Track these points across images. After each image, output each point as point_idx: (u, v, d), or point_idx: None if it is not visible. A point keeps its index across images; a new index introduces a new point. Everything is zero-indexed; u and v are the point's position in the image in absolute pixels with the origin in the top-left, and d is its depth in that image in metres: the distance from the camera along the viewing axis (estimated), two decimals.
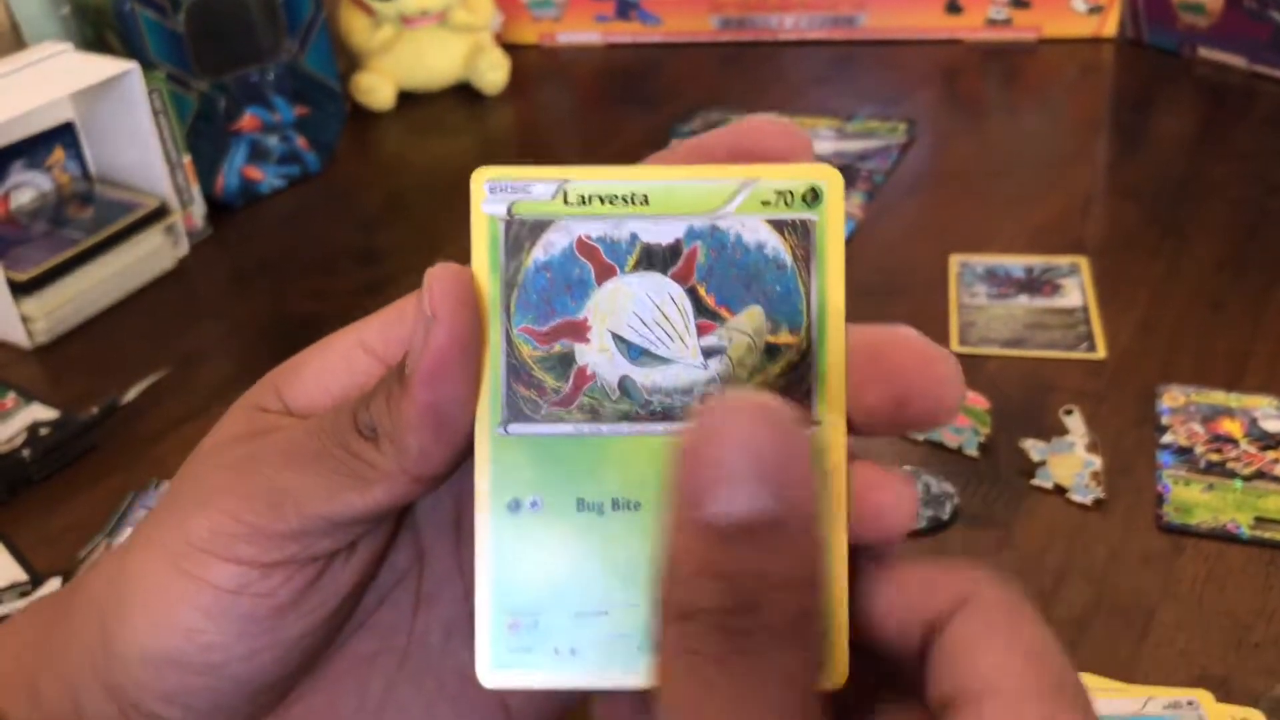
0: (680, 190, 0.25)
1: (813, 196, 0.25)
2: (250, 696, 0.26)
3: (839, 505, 0.24)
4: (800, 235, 0.25)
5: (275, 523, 0.24)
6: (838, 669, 0.24)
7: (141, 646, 0.25)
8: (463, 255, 0.25)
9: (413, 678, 0.28)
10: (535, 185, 0.25)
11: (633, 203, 0.25)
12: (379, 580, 0.28)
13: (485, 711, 0.28)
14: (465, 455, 0.25)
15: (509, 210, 0.25)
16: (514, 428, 0.25)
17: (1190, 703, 0.45)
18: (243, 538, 0.24)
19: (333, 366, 0.27)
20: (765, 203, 0.25)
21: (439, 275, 0.24)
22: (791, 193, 0.25)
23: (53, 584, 0.54)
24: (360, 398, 0.25)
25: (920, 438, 0.60)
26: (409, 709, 0.28)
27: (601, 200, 0.25)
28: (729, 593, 0.19)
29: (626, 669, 0.24)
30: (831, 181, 0.25)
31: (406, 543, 0.28)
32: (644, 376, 0.25)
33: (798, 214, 0.25)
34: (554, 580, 0.25)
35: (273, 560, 0.24)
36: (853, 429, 0.24)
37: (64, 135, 0.79)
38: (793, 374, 0.24)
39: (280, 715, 0.27)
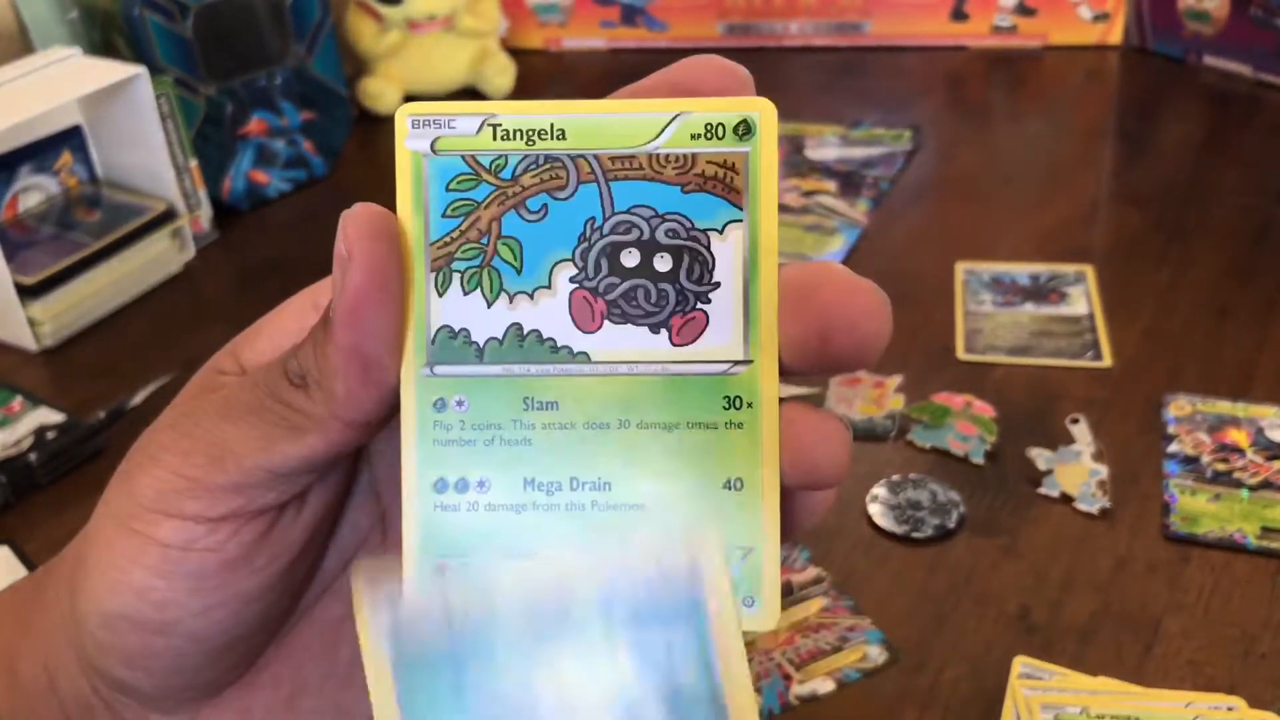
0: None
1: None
2: (212, 657, 0.26)
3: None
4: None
5: (216, 475, 0.24)
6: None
7: (99, 608, 0.25)
8: None
9: None
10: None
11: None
12: (341, 542, 0.28)
13: None
14: (397, 398, 0.24)
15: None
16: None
17: (1230, 708, 0.45)
18: (187, 493, 0.24)
19: (286, 326, 0.27)
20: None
21: (353, 214, 0.23)
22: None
23: None
24: (292, 348, 0.25)
25: (927, 445, 0.60)
26: None
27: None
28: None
29: None
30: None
31: (367, 501, 0.28)
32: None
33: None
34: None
35: (219, 514, 0.24)
36: (783, 370, 0.24)
37: (72, 139, 0.79)
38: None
39: (248, 682, 0.27)
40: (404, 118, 0.24)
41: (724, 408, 0.24)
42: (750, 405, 0.24)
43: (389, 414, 0.25)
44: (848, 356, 0.23)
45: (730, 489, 0.24)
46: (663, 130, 0.24)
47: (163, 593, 0.24)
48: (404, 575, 0.24)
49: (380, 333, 0.23)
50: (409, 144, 0.24)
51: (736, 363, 0.24)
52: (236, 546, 0.25)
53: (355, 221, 0.23)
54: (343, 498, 0.28)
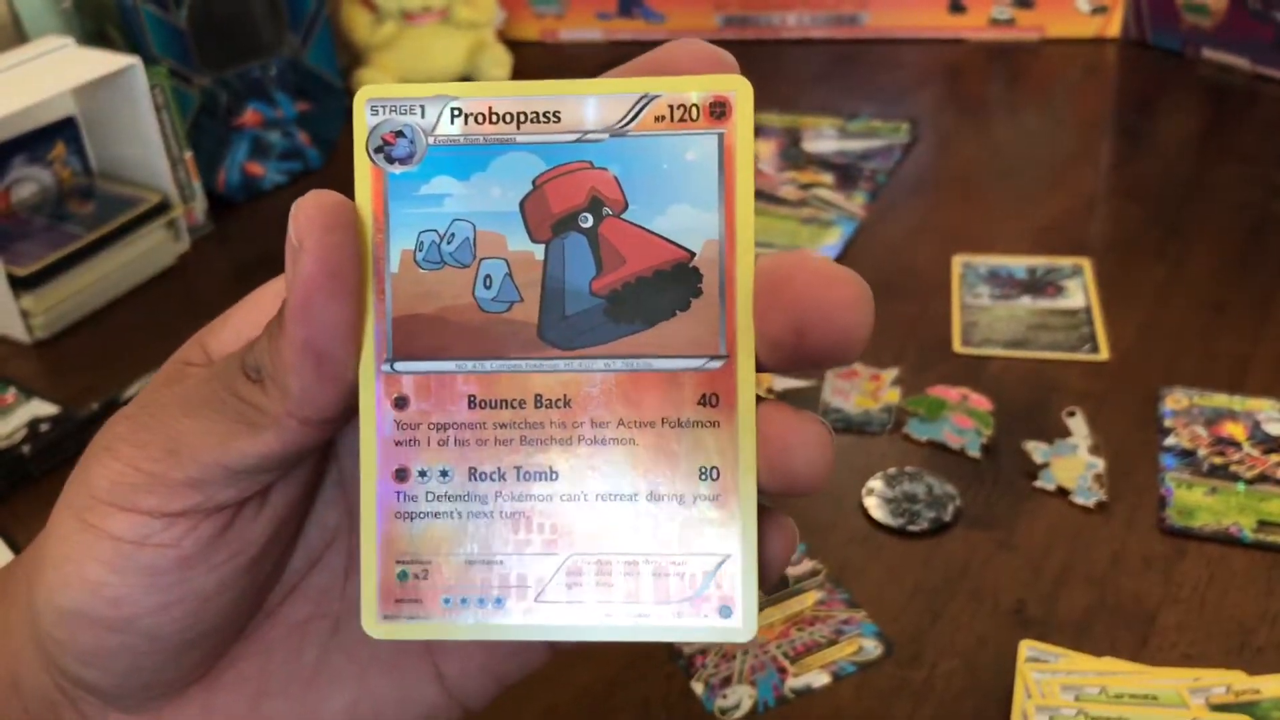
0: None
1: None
2: (170, 657, 0.25)
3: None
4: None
5: (172, 470, 0.23)
6: (749, 622, 0.23)
7: (53, 603, 0.24)
8: None
9: (345, 644, 0.27)
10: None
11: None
12: (308, 541, 0.27)
13: (418, 680, 0.27)
14: (357, 395, 0.24)
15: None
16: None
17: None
18: (142, 487, 0.23)
19: (254, 317, 0.26)
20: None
21: (304, 203, 0.22)
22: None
23: None
24: (250, 341, 0.24)
25: (923, 438, 0.60)
26: (342, 676, 0.27)
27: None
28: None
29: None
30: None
31: (334, 499, 0.27)
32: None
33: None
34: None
35: (175, 510, 0.23)
36: (761, 367, 0.23)
37: (65, 130, 0.79)
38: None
39: (210, 684, 0.27)
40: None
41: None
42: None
43: (350, 409, 0.24)
44: (826, 351, 0.22)
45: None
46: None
47: (116, 588, 0.24)
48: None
49: (334, 326, 0.22)
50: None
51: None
52: (193, 543, 0.24)
53: (306, 210, 0.22)
54: (309, 494, 0.27)
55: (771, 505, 0.24)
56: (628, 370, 0.23)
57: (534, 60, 1.07)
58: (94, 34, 0.84)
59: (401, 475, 0.24)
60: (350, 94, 0.97)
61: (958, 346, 0.67)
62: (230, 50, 0.85)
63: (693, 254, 0.23)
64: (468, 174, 0.23)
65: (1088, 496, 0.56)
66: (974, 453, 0.59)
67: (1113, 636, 0.49)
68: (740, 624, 0.23)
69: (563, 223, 0.23)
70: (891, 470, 0.58)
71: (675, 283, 0.23)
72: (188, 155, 0.81)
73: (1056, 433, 0.60)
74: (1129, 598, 0.51)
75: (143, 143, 0.78)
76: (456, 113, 0.23)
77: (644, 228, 0.23)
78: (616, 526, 0.23)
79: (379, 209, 0.23)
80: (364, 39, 1.00)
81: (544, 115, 0.23)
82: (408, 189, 0.23)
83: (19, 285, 0.71)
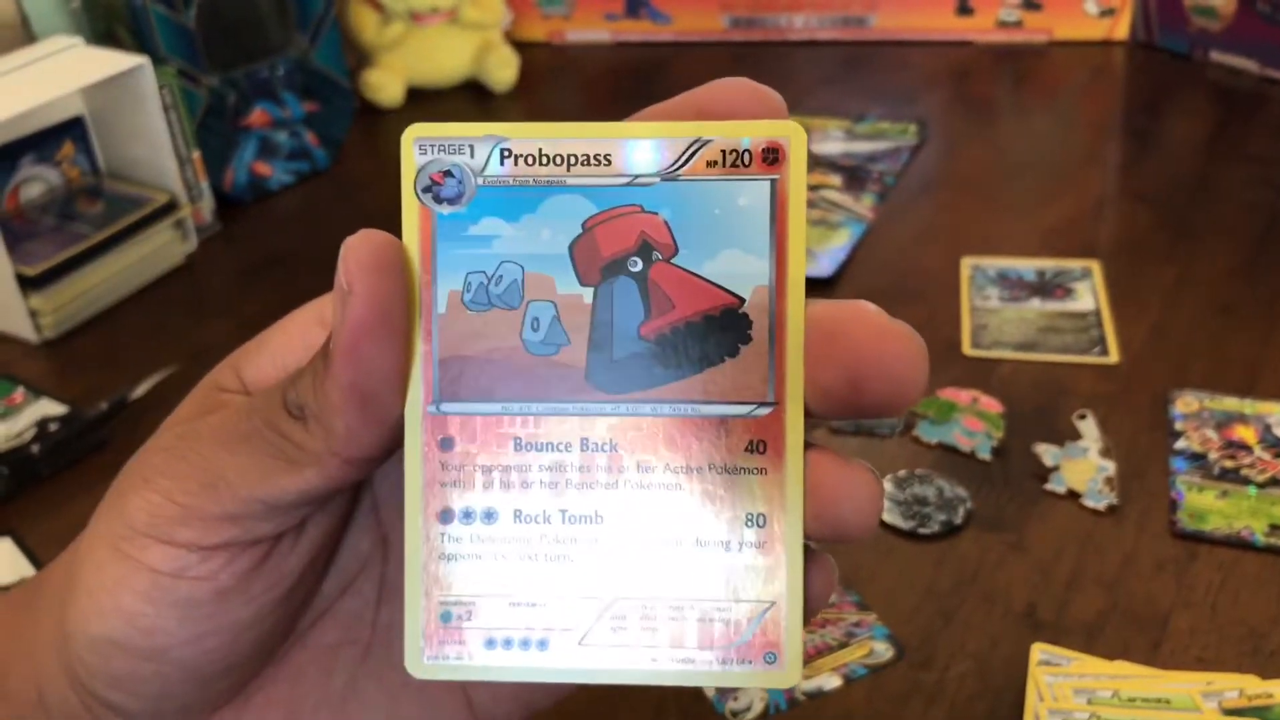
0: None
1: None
2: (201, 684, 0.25)
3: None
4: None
5: (210, 504, 0.23)
6: (794, 669, 0.23)
7: (86, 631, 0.24)
8: None
9: (376, 670, 0.27)
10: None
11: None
12: (341, 566, 0.27)
13: (449, 707, 0.27)
14: (400, 435, 0.23)
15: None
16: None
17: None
18: (180, 520, 0.23)
19: (291, 343, 0.26)
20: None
21: (354, 245, 0.22)
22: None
23: None
24: (290, 376, 0.24)
25: (933, 441, 0.60)
26: (372, 703, 0.27)
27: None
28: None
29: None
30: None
31: (368, 525, 0.27)
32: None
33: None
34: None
35: (212, 543, 0.23)
36: (809, 413, 0.23)
37: (73, 130, 0.79)
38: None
39: (240, 707, 0.27)
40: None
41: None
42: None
43: (392, 449, 0.24)
44: (879, 404, 0.22)
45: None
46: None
47: (151, 620, 0.24)
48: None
49: (382, 369, 0.22)
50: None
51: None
52: (230, 576, 0.24)
53: (355, 251, 0.22)
54: (343, 524, 0.27)
55: (817, 549, 0.24)
56: (675, 415, 0.23)
57: (541, 61, 1.07)
58: (102, 34, 0.84)
59: (446, 516, 0.24)
60: (358, 94, 0.98)
61: (967, 349, 0.67)
62: (238, 50, 0.85)
63: (742, 300, 0.23)
64: (517, 216, 0.23)
65: (1099, 500, 0.56)
66: (984, 455, 0.59)
67: (1125, 640, 0.49)
68: (785, 670, 0.23)
69: (612, 267, 0.23)
70: (902, 473, 0.58)
71: (724, 329, 0.23)
72: (195, 155, 0.81)
73: (1067, 435, 0.60)
74: (1141, 601, 0.51)
75: (151, 143, 0.78)
76: (506, 153, 0.23)
77: (694, 273, 0.23)
78: (662, 571, 0.23)
79: (426, 249, 0.23)
80: (371, 39, 1.00)
81: (594, 158, 0.23)
82: (456, 230, 0.23)
83: (27, 285, 0.70)
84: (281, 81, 0.87)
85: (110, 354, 0.71)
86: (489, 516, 0.23)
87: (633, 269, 0.23)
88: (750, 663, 0.23)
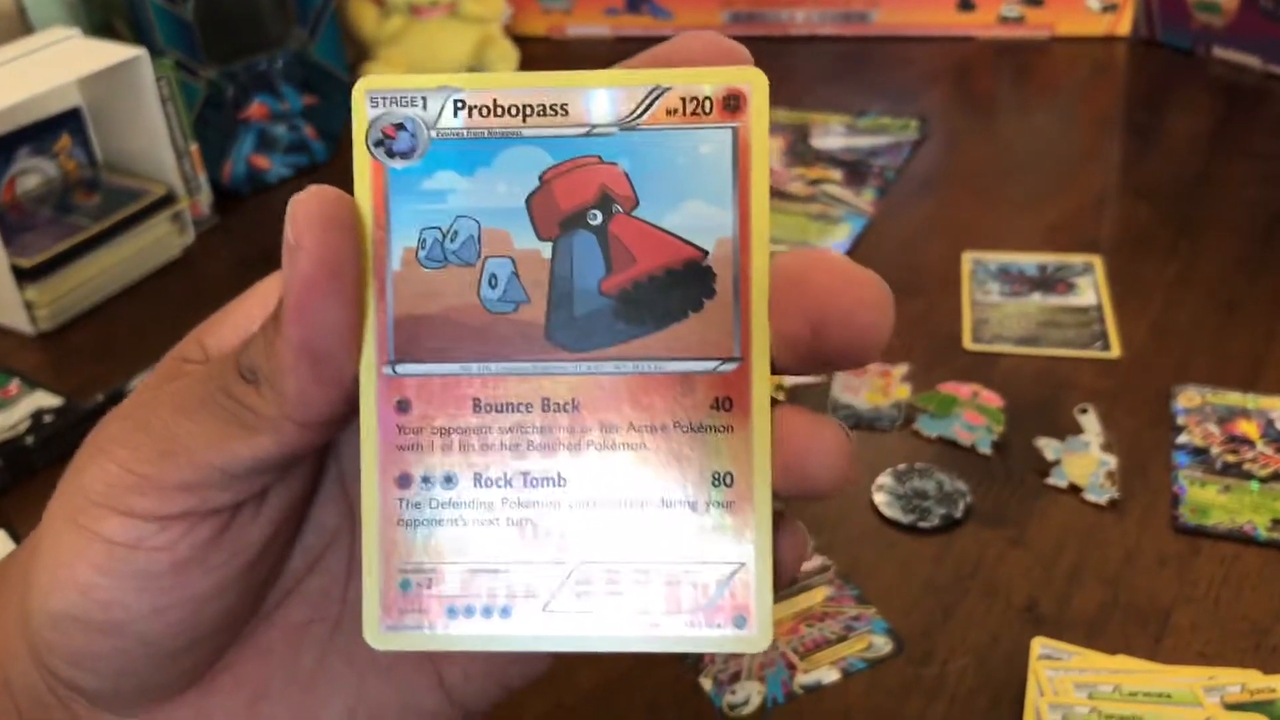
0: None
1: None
2: (163, 661, 0.24)
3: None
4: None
5: (167, 473, 0.23)
6: (764, 632, 0.23)
7: (44, 605, 0.24)
8: None
9: (345, 648, 0.27)
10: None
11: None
12: (307, 542, 0.27)
13: (419, 685, 0.27)
14: (356, 398, 0.23)
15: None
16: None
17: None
18: (136, 489, 0.23)
19: (252, 313, 0.25)
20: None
21: (302, 200, 0.22)
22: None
23: None
24: (245, 339, 0.23)
25: (933, 435, 0.59)
26: (340, 681, 0.27)
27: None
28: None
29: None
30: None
31: (334, 497, 0.27)
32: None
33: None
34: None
35: (170, 513, 0.23)
36: (776, 369, 0.22)
37: (71, 121, 0.79)
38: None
39: (206, 684, 0.26)
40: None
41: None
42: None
43: (348, 412, 0.23)
44: (844, 352, 0.21)
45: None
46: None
47: (108, 592, 0.23)
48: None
49: (332, 327, 0.22)
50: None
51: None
52: (188, 546, 0.23)
53: (305, 207, 0.22)
54: (308, 495, 0.26)
55: (784, 509, 0.23)
56: (638, 373, 0.22)
57: (541, 55, 1.06)
58: (100, 25, 0.84)
59: (404, 481, 0.23)
60: None
61: (968, 343, 0.66)
62: (237, 43, 0.84)
63: (705, 252, 0.22)
64: (472, 169, 0.22)
65: (1100, 494, 0.55)
66: (985, 449, 0.58)
67: (1126, 634, 0.49)
68: (755, 633, 0.22)
69: (571, 220, 0.22)
70: (901, 466, 0.57)
71: (687, 282, 0.22)
72: (193, 148, 0.80)
73: (1068, 430, 0.59)
74: (1142, 596, 0.50)
75: (148, 135, 0.77)
76: (460, 105, 0.22)
77: (655, 225, 0.22)
78: (627, 534, 0.23)
79: (379, 205, 0.23)
80: (371, 33, 1.00)
81: (551, 108, 0.22)
82: (409, 184, 0.23)
83: (23, 277, 0.70)
84: (280, 74, 0.87)
85: (106, 346, 0.71)
86: (448, 481, 0.23)
87: (592, 222, 0.22)
88: (719, 626, 0.23)
